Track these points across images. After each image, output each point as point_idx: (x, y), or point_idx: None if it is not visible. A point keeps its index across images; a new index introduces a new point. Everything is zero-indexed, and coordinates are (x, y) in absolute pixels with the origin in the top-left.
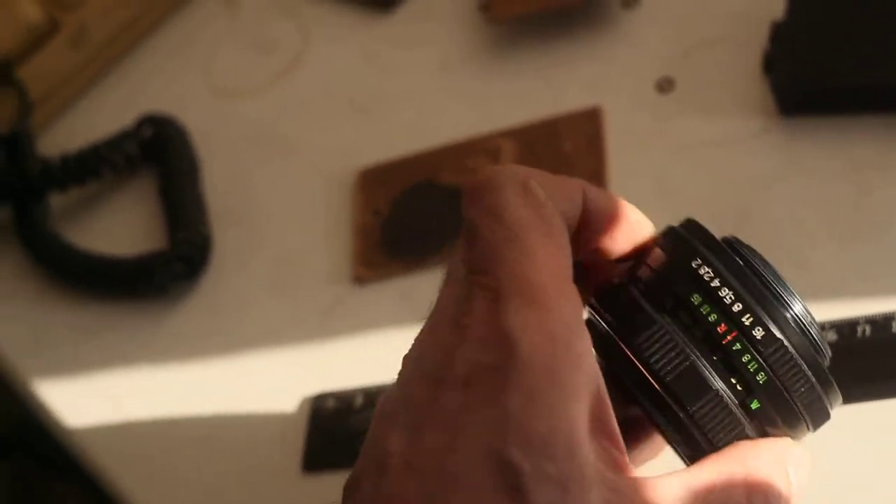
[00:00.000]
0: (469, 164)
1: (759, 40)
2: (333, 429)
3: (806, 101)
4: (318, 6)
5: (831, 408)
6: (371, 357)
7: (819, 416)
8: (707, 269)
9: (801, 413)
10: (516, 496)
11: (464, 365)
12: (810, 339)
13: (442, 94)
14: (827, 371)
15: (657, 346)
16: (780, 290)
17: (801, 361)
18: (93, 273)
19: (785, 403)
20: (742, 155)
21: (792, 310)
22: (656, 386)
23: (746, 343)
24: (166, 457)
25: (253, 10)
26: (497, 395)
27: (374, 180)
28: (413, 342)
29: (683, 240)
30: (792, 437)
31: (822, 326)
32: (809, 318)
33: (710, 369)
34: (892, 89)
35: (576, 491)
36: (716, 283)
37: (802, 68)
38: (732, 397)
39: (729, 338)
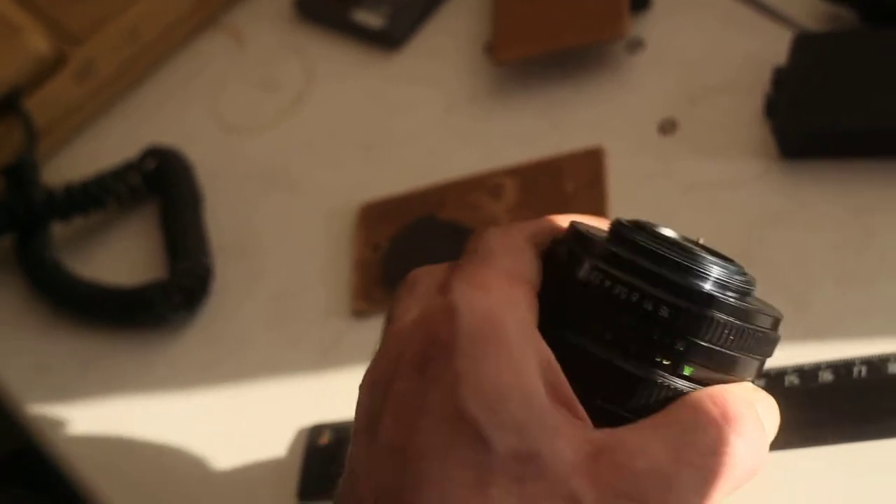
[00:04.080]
0: (470, 200)
1: (760, 84)
2: (328, 459)
3: (806, 144)
4: (325, 44)
5: (774, 331)
6: None
7: (769, 346)
8: (608, 281)
9: (754, 356)
10: (478, 446)
11: (413, 352)
12: (736, 288)
13: (446, 132)
14: (752, 307)
15: (577, 368)
16: (690, 264)
17: (730, 320)
18: (93, 302)
19: (719, 355)
20: (743, 197)
21: (710, 277)
22: (602, 404)
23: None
24: (163, 484)
25: (259, 46)
26: (447, 364)
27: (375, 215)
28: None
29: (572, 257)
30: (749, 378)
31: (819, 366)
32: (726, 271)
33: (661, 372)
34: (891, 134)
35: (535, 434)
36: (623, 292)
37: (803, 112)
38: (664, 374)
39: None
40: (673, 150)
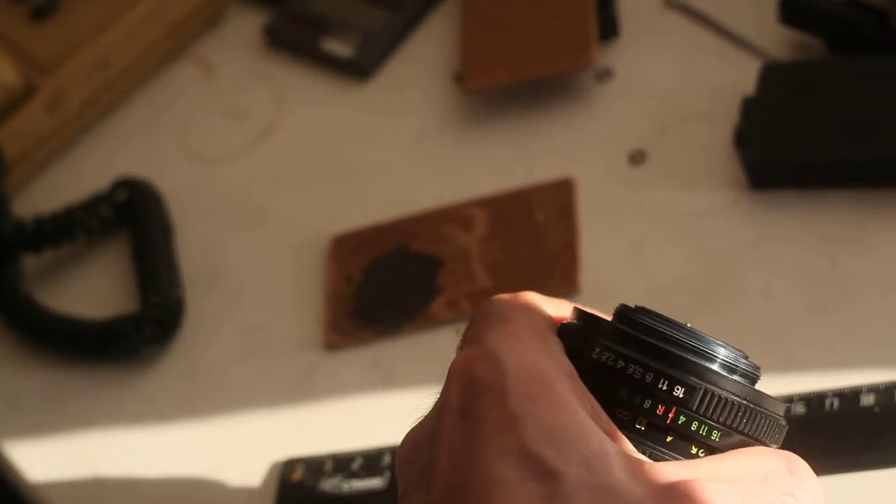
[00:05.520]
0: (442, 231)
1: (730, 115)
2: (302, 494)
3: (775, 174)
4: (294, 74)
5: (783, 417)
6: (341, 423)
7: (779, 433)
8: (622, 361)
9: (763, 441)
10: (548, 479)
11: (457, 397)
12: (743, 372)
13: (416, 162)
14: (762, 393)
15: None
16: (697, 344)
17: (743, 402)
18: (65, 335)
19: (746, 443)
20: (712, 227)
21: (717, 358)
22: None
23: (690, 412)
24: None
25: (229, 76)
26: (499, 405)
27: (346, 247)
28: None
29: (585, 339)
30: None
31: (791, 399)
32: (733, 354)
33: (669, 452)
34: (857, 165)
35: (605, 468)
36: (637, 371)
37: (772, 143)
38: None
39: (671, 415)
40: (643, 181)
